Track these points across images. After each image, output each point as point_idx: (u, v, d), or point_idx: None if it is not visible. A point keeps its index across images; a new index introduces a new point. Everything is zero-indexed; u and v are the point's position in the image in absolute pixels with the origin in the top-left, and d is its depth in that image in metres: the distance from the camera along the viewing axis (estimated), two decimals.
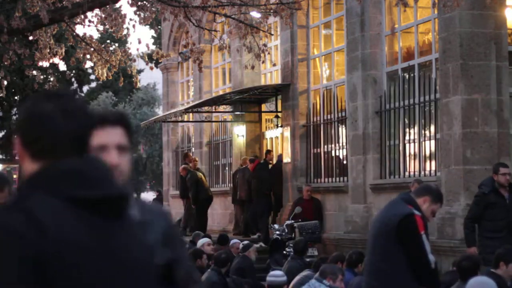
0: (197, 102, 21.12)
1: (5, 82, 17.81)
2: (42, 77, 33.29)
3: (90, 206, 2.14)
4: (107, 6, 12.02)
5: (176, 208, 24.80)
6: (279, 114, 19.05)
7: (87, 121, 2.24)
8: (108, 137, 2.78)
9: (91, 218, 2.14)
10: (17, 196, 2.17)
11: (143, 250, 2.27)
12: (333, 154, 17.40)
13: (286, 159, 18.57)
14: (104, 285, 2.13)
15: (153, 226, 2.67)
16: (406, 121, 15.00)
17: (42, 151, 2.18)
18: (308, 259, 12.87)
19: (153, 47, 30.98)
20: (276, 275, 9.26)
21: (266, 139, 20.76)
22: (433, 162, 14.24)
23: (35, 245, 2.04)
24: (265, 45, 13.73)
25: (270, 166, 18.82)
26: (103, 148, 2.77)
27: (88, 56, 13.33)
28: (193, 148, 24.06)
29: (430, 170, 14.19)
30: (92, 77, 39.80)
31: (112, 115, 2.86)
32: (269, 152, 19.30)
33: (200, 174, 19.97)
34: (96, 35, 42.14)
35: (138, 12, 12.09)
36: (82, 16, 12.22)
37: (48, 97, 2.20)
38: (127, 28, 14.85)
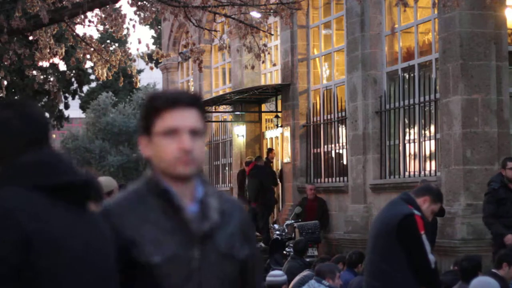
0: None
1: (5, 82, 17.81)
2: (42, 77, 33.27)
3: (56, 193, 2.30)
4: (107, 6, 12.01)
5: None
6: (279, 114, 19.05)
7: (43, 125, 2.41)
8: (180, 120, 2.58)
9: (57, 204, 2.29)
10: None
11: (103, 239, 2.41)
12: (333, 154, 17.40)
13: (286, 159, 18.58)
14: (78, 266, 2.27)
15: (232, 217, 2.67)
16: (406, 121, 15.00)
17: (2, 154, 2.33)
18: (308, 259, 12.87)
19: (153, 47, 30.96)
20: (276, 275, 9.25)
21: (266, 139, 20.77)
22: (433, 162, 14.23)
23: (17, 229, 2.19)
24: (265, 45, 13.73)
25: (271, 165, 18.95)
26: (173, 132, 2.57)
27: (88, 56, 13.32)
28: None
29: (430, 170, 14.19)
30: (92, 77, 39.79)
31: (186, 95, 2.64)
32: (270, 150, 19.32)
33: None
34: (96, 35, 42.19)
35: (138, 12, 12.08)
36: (82, 16, 12.22)
37: (7, 105, 2.41)
38: (127, 28, 14.87)
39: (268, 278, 9.02)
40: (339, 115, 17.05)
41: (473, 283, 6.77)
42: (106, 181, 8.74)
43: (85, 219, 2.36)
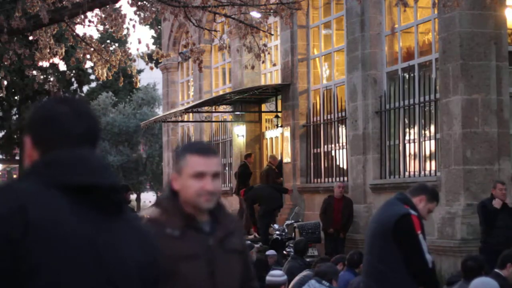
0: (197, 102, 21.12)
1: (5, 82, 17.81)
2: (42, 77, 33.28)
3: (79, 194, 2.19)
4: (107, 6, 12.02)
5: None
6: (279, 114, 19.05)
7: (95, 123, 2.37)
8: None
9: (80, 207, 2.18)
10: (8, 183, 2.25)
11: (130, 252, 2.27)
12: (333, 154, 17.40)
13: (286, 159, 18.58)
14: (78, 274, 2.15)
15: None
16: (406, 121, 15.00)
17: (54, 149, 2.25)
18: (308, 259, 12.87)
19: (153, 47, 30.96)
20: (276, 274, 9.24)
21: (266, 139, 20.77)
22: (433, 162, 14.24)
23: (12, 225, 2.09)
24: (265, 45, 13.73)
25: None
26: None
27: (88, 56, 13.32)
28: None
29: (430, 170, 14.19)
30: (92, 77, 39.83)
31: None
32: (249, 155, 19.56)
33: None
34: (96, 35, 42.19)
35: (138, 12, 12.08)
36: (82, 16, 12.22)
37: (62, 100, 2.35)
38: (127, 28, 14.87)
39: (268, 278, 9.01)
40: (339, 115, 17.05)
41: (473, 283, 6.76)
42: None
43: (108, 225, 2.22)
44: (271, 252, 13.67)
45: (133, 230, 2.32)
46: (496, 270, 8.09)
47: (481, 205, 11.65)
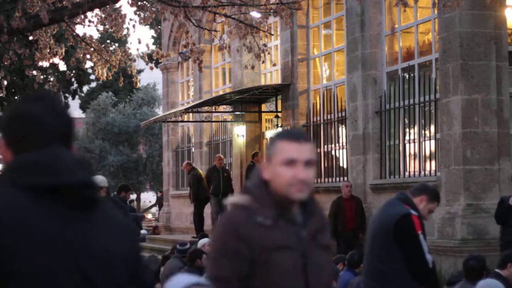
0: (197, 102, 21.12)
1: (5, 82, 17.82)
2: (42, 77, 33.27)
3: (52, 194, 2.22)
4: (107, 6, 12.02)
5: (175, 208, 24.81)
6: (279, 114, 19.05)
7: (70, 120, 2.37)
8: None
9: (50, 206, 2.21)
10: None
11: (105, 245, 2.29)
12: (333, 154, 17.40)
13: None
14: (56, 273, 2.17)
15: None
16: (406, 121, 15.00)
17: (25, 150, 2.27)
18: None
19: (153, 47, 30.96)
20: None
21: (266, 139, 20.76)
22: (433, 162, 14.24)
23: None
24: (265, 45, 13.73)
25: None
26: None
27: (88, 56, 13.33)
28: (193, 148, 24.07)
29: (430, 170, 14.19)
30: (92, 77, 39.79)
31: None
32: (257, 154, 19.49)
33: (202, 172, 19.98)
34: (96, 35, 42.17)
35: (138, 12, 12.09)
36: (82, 16, 12.22)
37: (36, 99, 2.34)
38: (127, 28, 14.86)
39: None
40: (339, 115, 17.05)
41: (479, 285, 6.77)
42: (103, 179, 8.82)
43: (78, 221, 2.24)
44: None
45: (109, 223, 2.33)
46: (497, 270, 8.08)
47: (500, 201, 11.50)
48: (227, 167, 20.32)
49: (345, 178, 16.38)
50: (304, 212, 3.21)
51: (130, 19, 12.94)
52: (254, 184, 3.23)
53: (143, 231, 22.67)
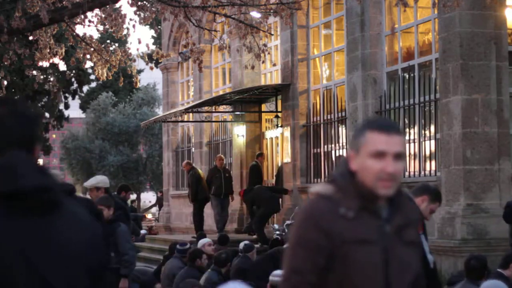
0: (197, 102, 21.11)
1: (5, 82, 17.82)
2: (42, 77, 33.27)
3: (11, 199, 2.28)
4: (107, 6, 12.02)
5: (175, 208, 24.82)
6: (279, 114, 19.05)
7: (32, 124, 2.41)
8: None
9: (5, 212, 2.28)
10: None
11: (65, 244, 2.38)
12: (333, 154, 17.40)
13: (286, 159, 18.58)
14: (6, 275, 2.25)
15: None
16: (406, 121, 15.00)
17: None
18: None
19: (153, 47, 30.96)
20: (280, 275, 9.25)
21: (266, 139, 20.76)
22: (433, 162, 14.24)
23: None
24: (265, 45, 13.73)
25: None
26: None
27: (88, 56, 13.33)
28: (193, 148, 24.07)
29: (430, 170, 14.19)
30: (92, 77, 39.79)
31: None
32: (261, 154, 19.43)
33: (202, 172, 19.96)
34: (96, 35, 42.18)
35: (138, 12, 12.08)
36: (82, 16, 12.22)
37: (1, 102, 2.41)
38: (127, 28, 14.87)
39: (271, 278, 9.01)
40: (339, 115, 17.05)
41: (483, 286, 6.78)
42: (103, 179, 8.78)
43: (35, 224, 2.32)
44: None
45: (69, 222, 2.40)
46: (499, 270, 8.08)
47: (506, 205, 11.45)
48: (227, 167, 20.31)
49: None
50: (391, 206, 3.06)
51: (130, 19, 12.94)
52: (340, 174, 3.09)
53: (143, 231, 22.68)
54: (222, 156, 19.88)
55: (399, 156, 2.99)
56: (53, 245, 2.33)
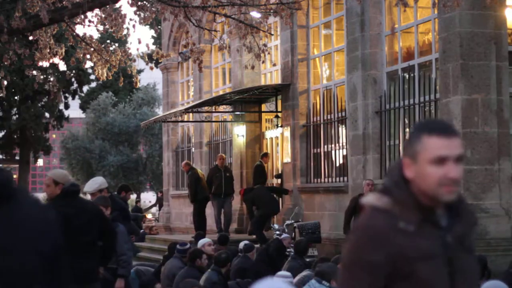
0: (197, 102, 21.11)
1: (5, 82, 17.82)
2: (42, 77, 33.29)
3: None
4: (107, 6, 12.02)
5: (175, 209, 24.82)
6: (279, 114, 19.05)
7: None
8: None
9: None
10: None
11: (14, 235, 2.75)
12: (333, 154, 17.40)
13: (286, 159, 18.58)
14: None
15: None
16: (406, 121, 15.00)
17: None
18: (308, 259, 12.87)
19: (153, 47, 30.97)
20: (283, 275, 9.28)
21: (266, 139, 20.77)
22: None
23: None
24: (265, 45, 13.74)
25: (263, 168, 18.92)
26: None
27: (88, 56, 13.34)
28: (193, 148, 24.07)
29: None
30: (92, 77, 39.82)
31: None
32: (266, 154, 19.36)
33: (201, 172, 19.96)
34: (96, 35, 42.18)
35: (138, 12, 12.09)
36: (82, 16, 12.23)
37: None
38: (127, 28, 14.87)
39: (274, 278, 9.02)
40: (339, 115, 17.05)
41: (484, 286, 6.78)
42: (102, 180, 8.81)
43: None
44: (285, 235, 14.34)
45: (17, 221, 2.73)
46: (510, 270, 8.06)
47: None
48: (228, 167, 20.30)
49: (345, 178, 16.39)
50: (450, 213, 2.88)
51: (130, 19, 12.95)
52: (394, 184, 2.87)
53: (142, 231, 22.68)
54: (223, 155, 19.86)
55: (460, 158, 2.81)
56: (9, 227, 2.68)
